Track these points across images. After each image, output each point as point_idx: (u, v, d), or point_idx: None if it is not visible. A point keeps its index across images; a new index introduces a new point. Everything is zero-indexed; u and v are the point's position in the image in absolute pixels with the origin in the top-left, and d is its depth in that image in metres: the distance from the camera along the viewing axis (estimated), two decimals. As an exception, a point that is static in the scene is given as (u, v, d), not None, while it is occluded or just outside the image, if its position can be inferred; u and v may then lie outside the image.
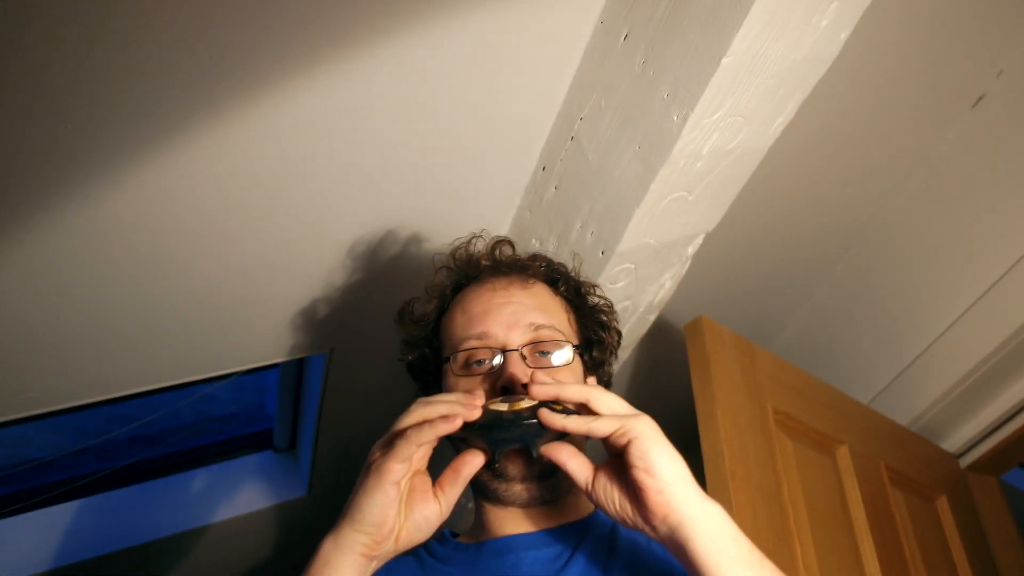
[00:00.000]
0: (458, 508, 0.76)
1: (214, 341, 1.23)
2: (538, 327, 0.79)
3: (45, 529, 1.66)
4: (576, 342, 0.85)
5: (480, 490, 0.80)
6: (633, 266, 1.18)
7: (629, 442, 0.62)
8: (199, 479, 1.83)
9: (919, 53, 1.41)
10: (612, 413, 0.65)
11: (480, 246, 0.91)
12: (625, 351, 1.46)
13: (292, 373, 1.67)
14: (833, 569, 1.28)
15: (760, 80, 0.93)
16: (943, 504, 1.63)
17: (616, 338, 0.93)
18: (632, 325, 1.36)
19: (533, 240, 1.27)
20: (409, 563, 0.80)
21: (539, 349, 0.79)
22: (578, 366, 0.82)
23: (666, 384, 1.90)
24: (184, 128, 0.87)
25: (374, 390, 1.55)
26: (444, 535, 0.84)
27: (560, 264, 0.92)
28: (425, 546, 0.82)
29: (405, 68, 0.94)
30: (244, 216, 1.04)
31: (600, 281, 1.17)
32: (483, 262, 0.88)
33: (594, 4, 1.01)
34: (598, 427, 0.64)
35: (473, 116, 1.06)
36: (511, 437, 0.66)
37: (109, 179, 0.89)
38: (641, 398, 2.01)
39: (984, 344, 1.61)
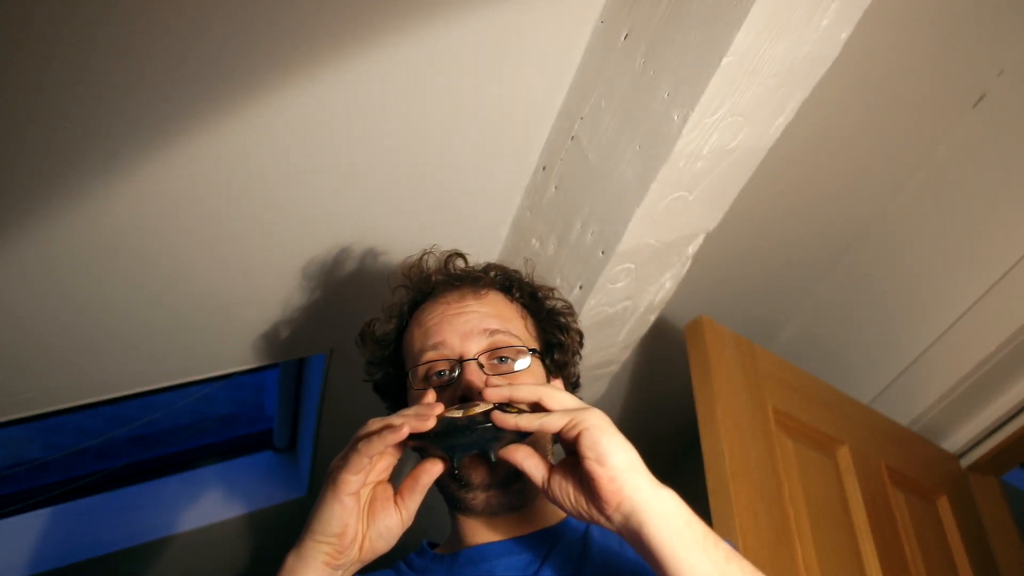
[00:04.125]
0: (440, 518, 0.76)
1: (214, 341, 1.23)
2: (493, 332, 0.80)
3: (43, 530, 1.67)
4: (535, 346, 0.86)
5: (449, 501, 0.81)
6: (633, 266, 1.18)
7: (580, 434, 0.63)
8: (199, 479, 1.83)
9: (920, 53, 1.41)
10: (563, 408, 0.66)
11: (432, 262, 0.92)
12: (625, 351, 1.45)
13: (292, 373, 1.67)
14: (833, 569, 1.28)
15: (760, 80, 0.93)
16: (944, 504, 1.63)
17: (578, 339, 0.94)
18: (632, 325, 1.36)
19: (533, 240, 1.26)
20: None
21: (497, 355, 0.80)
22: (539, 370, 0.83)
23: (666, 384, 1.89)
24: (184, 129, 0.87)
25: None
26: (422, 547, 0.85)
27: (514, 271, 0.92)
28: (404, 559, 0.84)
29: (405, 68, 0.94)
30: (244, 217, 1.04)
31: (600, 281, 1.17)
32: (436, 277, 0.90)
33: (594, 4, 1.01)
34: (549, 422, 0.65)
35: (473, 116, 1.06)
36: (467, 442, 0.66)
37: (109, 179, 0.89)
38: (641, 398, 2.01)
39: (985, 344, 1.61)
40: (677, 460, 2.27)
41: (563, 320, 0.92)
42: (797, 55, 0.92)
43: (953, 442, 1.77)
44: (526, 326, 0.87)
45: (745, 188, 1.13)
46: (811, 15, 0.88)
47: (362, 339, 0.92)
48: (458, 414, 0.67)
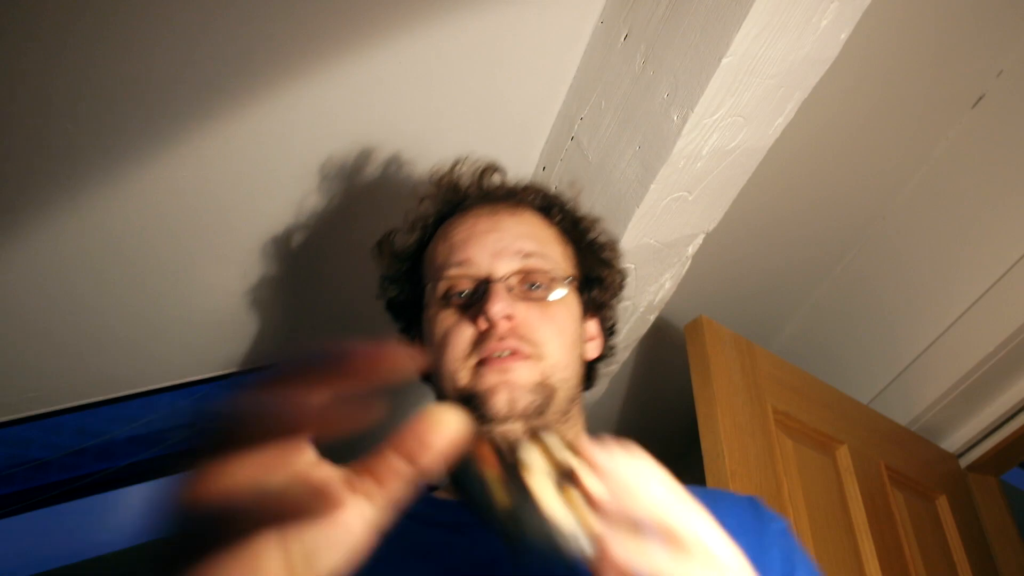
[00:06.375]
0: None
1: (216, 342, 1.23)
2: (528, 255, 0.71)
3: (43, 530, 1.67)
4: (573, 275, 0.75)
5: None
6: (633, 266, 1.18)
7: None
8: (199, 479, 1.83)
9: (919, 53, 1.41)
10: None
11: (465, 173, 0.81)
12: (625, 351, 1.46)
13: (292, 373, 1.67)
14: (833, 569, 1.28)
15: (760, 80, 0.93)
16: (943, 504, 1.63)
17: (620, 279, 0.83)
18: (632, 325, 1.36)
19: (533, 240, 1.27)
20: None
21: (529, 280, 0.70)
22: (574, 304, 0.73)
23: (666, 384, 1.90)
24: (190, 129, 0.88)
25: (374, 390, 1.55)
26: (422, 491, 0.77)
27: (556, 194, 0.82)
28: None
29: (406, 69, 0.94)
30: (247, 218, 1.04)
31: (600, 281, 1.17)
32: (468, 190, 0.80)
33: (594, 4, 1.01)
34: None
35: (473, 116, 1.07)
36: (537, 537, 0.40)
37: (114, 180, 0.89)
38: (641, 398, 2.01)
39: (984, 344, 1.61)
40: (677, 460, 2.27)
41: (606, 255, 0.82)
42: (796, 56, 0.92)
43: (952, 442, 1.77)
44: (564, 253, 0.77)
45: (744, 188, 1.14)
46: (810, 16, 0.88)
47: (379, 250, 0.82)
48: (556, 501, 0.41)
